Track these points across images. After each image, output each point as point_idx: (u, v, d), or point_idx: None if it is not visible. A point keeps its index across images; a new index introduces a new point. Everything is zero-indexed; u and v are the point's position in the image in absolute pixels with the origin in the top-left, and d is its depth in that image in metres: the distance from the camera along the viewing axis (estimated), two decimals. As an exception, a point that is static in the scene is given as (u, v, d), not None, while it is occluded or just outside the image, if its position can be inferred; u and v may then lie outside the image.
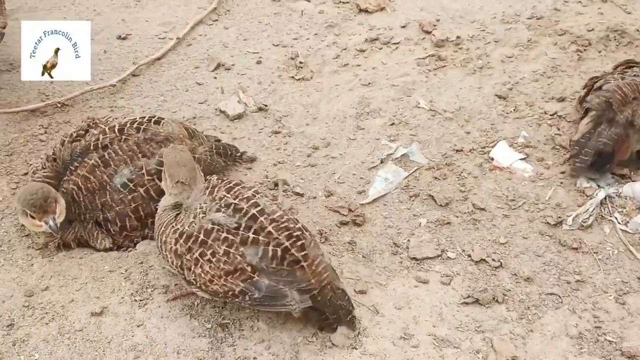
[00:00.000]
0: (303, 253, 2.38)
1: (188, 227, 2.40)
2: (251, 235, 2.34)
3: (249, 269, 2.34)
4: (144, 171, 2.72)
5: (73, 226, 2.76)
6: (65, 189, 2.73)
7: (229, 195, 2.42)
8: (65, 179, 2.74)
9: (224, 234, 2.35)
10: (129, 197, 2.72)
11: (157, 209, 2.61)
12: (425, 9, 4.08)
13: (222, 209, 2.39)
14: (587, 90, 3.20)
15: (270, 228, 2.36)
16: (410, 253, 2.78)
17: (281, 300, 2.37)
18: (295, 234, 2.39)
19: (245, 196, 2.43)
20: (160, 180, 2.65)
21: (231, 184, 2.49)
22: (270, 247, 2.34)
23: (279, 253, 2.34)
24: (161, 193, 2.66)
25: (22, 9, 4.09)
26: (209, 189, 2.48)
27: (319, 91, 3.58)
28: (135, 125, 2.82)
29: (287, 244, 2.36)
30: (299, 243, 2.38)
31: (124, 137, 2.78)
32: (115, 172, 2.72)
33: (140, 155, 2.75)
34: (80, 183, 2.72)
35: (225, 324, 2.52)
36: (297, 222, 2.44)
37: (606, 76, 3.18)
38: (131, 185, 2.71)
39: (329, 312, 2.44)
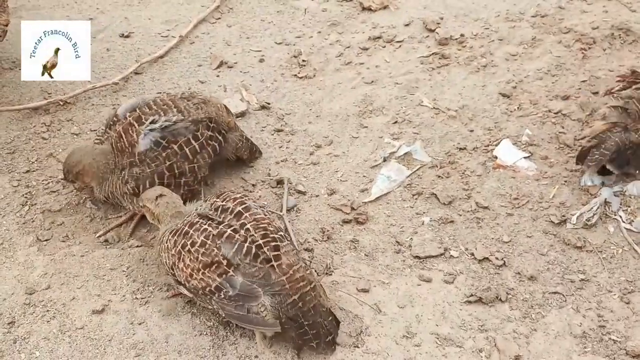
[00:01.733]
0: (275, 253, 2.37)
1: (180, 224, 2.47)
2: (229, 231, 2.37)
3: (224, 262, 2.34)
4: (174, 124, 2.76)
5: (110, 180, 2.78)
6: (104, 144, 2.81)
7: (218, 200, 2.52)
8: (108, 132, 2.83)
9: (204, 226, 2.40)
10: (163, 154, 2.74)
11: (189, 170, 2.76)
12: (429, 7, 4.06)
13: (212, 212, 2.48)
14: (624, 85, 3.03)
15: (249, 225, 2.40)
16: (413, 251, 2.76)
17: (254, 301, 2.34)
18: (271, 235, 2.40)
19: (233, 197, 2.51)
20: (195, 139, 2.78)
21: (223, 191, 2.59)
22: (246, 244, 2.35)
23: (253, 250, 2.35)
24: (195, 154, 2.77)
25: (25, 6, 4.09)
26: (206, 201, 2.57)
27: (321, 89, 3.57)
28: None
29: (260, 242, 2.37)
30: (272, 243, 2.39)
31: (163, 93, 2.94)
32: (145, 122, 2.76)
33: (175, 109, 2.80)
34: (115, 138, 2.77)
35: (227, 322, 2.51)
36: (279, 229, 2.47)
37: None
38: (164, 142, 2.74)
39: (308, 325, 2.37)
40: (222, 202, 2.50)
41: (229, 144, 2.96)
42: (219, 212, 2.46)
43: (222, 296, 2.35)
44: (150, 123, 2.75)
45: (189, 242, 2.39)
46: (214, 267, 2.35)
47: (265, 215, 2.49)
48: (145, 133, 2.73)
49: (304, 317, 2.37)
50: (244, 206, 2.46)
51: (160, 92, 3.13)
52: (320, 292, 2.45)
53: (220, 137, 2.89)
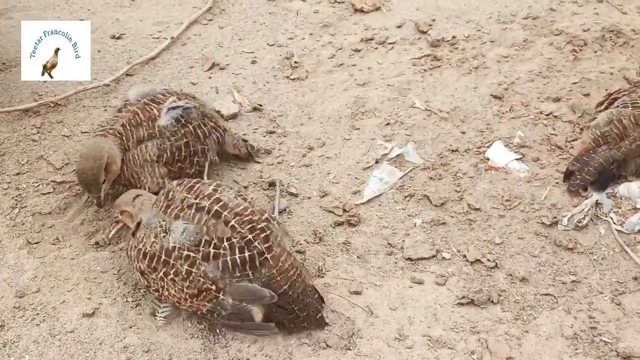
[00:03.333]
0: (267, 245, 2.36)
1: (150, 247, 2.39)
2: (212, 250, 2.32)
3: (213, 288, 2.33)
4: (192, 107, 2.90)
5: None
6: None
7: (189, 196, 2.42)
8: (117, 115, 2.87)
9: (185, 252, 2.33)
10: (182, 130, 2.85)
11: (201, 151, 2.88)
12: (421, 9, 4.07)
13: (185, 210, 2.38)
14: (605, 106, 3.10)
15: (233, 222, 2.35)
16: (405, 253, 2.76)
17: (246, 316, 2.37)
18: (259, 226, 2.38)
19: (207, 193, 2.42)
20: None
21: (191, 183, 2.48)
22: (229, 258, 2.31)
23: (238, 261, 2.32)
24: (206, 137, 2.91)
25: (15, 8, 4.07)
26: (165, 196, 2.46)
27: (314, 91, 3.56)
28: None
29: (250, 236, 2.35)
30: (262, 235, 2.37)
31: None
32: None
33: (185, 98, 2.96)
34: (129, 116, 2.81)
35: (217, 326, 2.50)
36: (263, 212, 2.44)
37: (624, 94, 3.07)
38: (182, 120, 2.86)
39: (298, 309, 2.40)
40: (194, 199, 2.40)
41: (227, 141, 3.07)
42: (192, 210, 2.37)
43: (216, 316, 2.39)
44: (172, 102, 2.87)
45: (171, 272, 2.34)
46: (202, 295, 2.35)
47: (244, 200, 2.45)
48: (168, 109, 2.85)
49: (295, 303, 2.40)
50: (220, 204, 2.38)
51: (164, 89, 3.15)
52: (304, 274, 2.47)
53: (220, 130, 3.03)
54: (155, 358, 2.41)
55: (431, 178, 3.07)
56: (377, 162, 3.15)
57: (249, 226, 2.37)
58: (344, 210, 2.93)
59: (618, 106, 3.02)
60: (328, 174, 3.12)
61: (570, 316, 2.54)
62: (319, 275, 2.68)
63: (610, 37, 3.73)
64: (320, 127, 3.35)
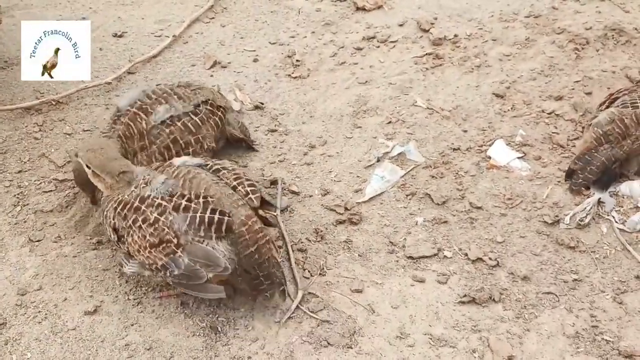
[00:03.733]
0: (252, 188, 2.48)
1: (127, 196, 2.45)
2: (184, 203, 2.36)
3: (174, 241, 2.35)
4: (180, 108, 2.92)
5: None
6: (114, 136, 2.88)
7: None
8: (114, 127, 2.91)
9: (158, 200, 2.38)
10: (167, 130, 2.87)
11: (194, 141, 2.91)
12: (423, 8, 4.06)
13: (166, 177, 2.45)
14: (607, 105, 3.10)
15: (228, 175, 2.51)
16: (406, 252, 2.76)
17: (196, 280, 2.36)
18: (245, 176, 2.53)
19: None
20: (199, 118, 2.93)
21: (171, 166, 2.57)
22: (199, 214, 2.34)
23: (206, 220, 2.34)
24: (198, 127, 2.93)
25: (17, 6, 4.07)
26: (159, 168, 2.54)
27: (315, 89, 3.56)
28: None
29: (235, 182, 2.49)
30: (248, 182, 2.51)
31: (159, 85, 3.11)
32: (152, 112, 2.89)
33: (175, 97, 2.95)
34: (123, 129, 2.85)
35: (219, 324, 2.50)
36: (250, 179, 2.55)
37: (624, 94, 3.07)
38: (168, 120, 2.89)
39: (263, 275, 2.42)
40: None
41: (230, 122, 3.11)
42: (182, 169, 2.47)
43: (168, 274, 2.39)
44: (163, 115, 2.89)
45: (140, 218, 2.38)
46: (161, 247, 2.36)
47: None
48: (155, 122, 2.88)
49: (260, 269, 2.41)
50: (219, 166, 2.55)
51: (158, 84, 3.17)
52: (273, 247, 2.49)
53: (219, 113, 3.05)
54: (157, 356, 2.41)
55: (433, 176, 3.07)
56: (378, 160, 3.15)
57: (235, 175, 2.50)
58: (346, 209, 2.93)
59: (618, 105, 3.01)
60: (330, 172, 3.12)
61: (571, 315, 2.54)
62: (320, 274, 2.68)
63: (613, 35, 3.73)
64: (322, 126, 3.35)
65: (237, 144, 3.18)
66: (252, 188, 2.52)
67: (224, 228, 2.36)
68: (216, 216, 2.35)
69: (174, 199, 2.38)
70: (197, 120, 2.94)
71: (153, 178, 2.46)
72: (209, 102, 3.03)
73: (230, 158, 3.13)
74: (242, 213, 2.41)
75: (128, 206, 2.42)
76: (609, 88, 3.38)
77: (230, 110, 3.18)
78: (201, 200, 2.38)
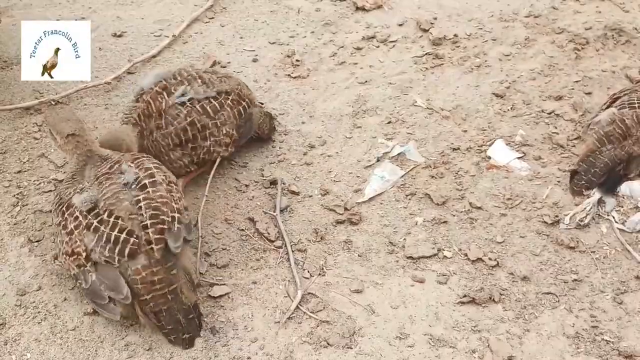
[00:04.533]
0: (158, 237, 2.35)
1: (63, 195, 2.50)
2: (95, 223, 2.37)
3: (83, 255, 2.37)
4: (202, 91, 2.92)
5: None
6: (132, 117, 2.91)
7: (132, 164, 2.50)
8: (135, 106, 2.93)
9: (77, 214, 2.41)
10: (185, 112, 2.87)
11: (212, 125, 2.90)
12: (423, 7, 4.06)
13: (109, 177, 2.46)
14: (607, 105, 3.10)
15: (142, 204, 2.39)
16: (406, 252, 2.76)
17: (101, 300, 2.38)
18: (161, 217, 2.38)
19: (146, 166, 2.49)
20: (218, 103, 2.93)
21: (140, 157, 2.56)
22: (106, 232, 2.34)
23: (112, 239, 2.33)
24: (217, 112, 2.91)
25: (17, 5, 4.06)
26: (113, 161, 2.52)
27: (315, 89, 3.56)
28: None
29: (148, 222, 2.36)
30: (159, 226, 2.37)
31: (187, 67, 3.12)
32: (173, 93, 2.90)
33: (199, 80, 2.95)
34: (143, 107, 2.88)
35: (218, 325, 2.50)
36: (179, 210, 2.45)
37: (625, 94, 3.06)
38: (188, 102, 2.88)
39: (164, 322, 2.38)
40: (136, 167, 2.48)
41: (253, 117, 3.10)
42: (113, 179, 2.45)
43: (78, 284, 2.44)
44: (180, 95, 2.89)
45: (61, 225, 2.45)
46: (73, 257, 2.40)
47: (169, 191, 2.47)
48: (174, 103, 2.88)
49: (157, 316, 2.38)
50: (151, 180, 2.45)
51: (184, 66, 3.18)
52: (184, 292, 2.41)
53: (244, 103, 3.05)
54: (157, 356, 2.41)
55: (432, 176, 3.06)
56: (378, 160, 3.15)
57: (152, 213, 2.38)
58: (345, 209, 2.93)
59: (617, 106, 3.01)
60: (329, 172, 3.12)
61: (571, 315, 2.54)
62: (320, 274, 2.68)
63: (613, 35, 3.72)
64: (322, 126, 3.35)
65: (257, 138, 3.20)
66: (157, 237, 2.36)
67: (126, 252, 2.33)
68: (122, 236, 2.34)
69: (89, 216, 2.39)
70: (217, 104, 2.93)
71: (84, 189, 2.46)
72: (234, 91, 3.02)
73: (230, 157, 3.13)
74: (140, 261, 2.35)
75: (58, 207, 2.49)
76: (609, 88, 3.38)
77: (254, 105, 3.15)
78: (112, 220, 2.36)
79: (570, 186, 2.95)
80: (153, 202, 2.41)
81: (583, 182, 2.91)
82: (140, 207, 2.39)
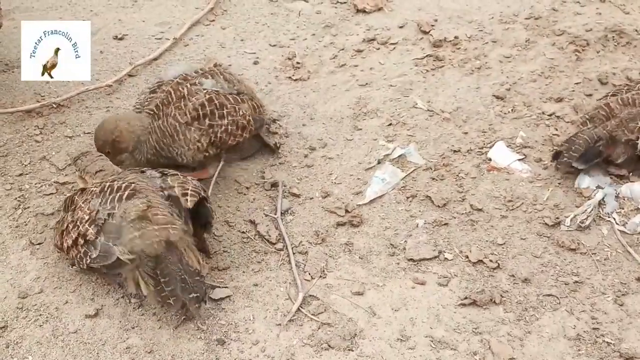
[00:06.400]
0: (194, 191, 2.51)
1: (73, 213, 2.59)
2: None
3: (88, 220, 2.46)
4: (226, 86, 2.97)
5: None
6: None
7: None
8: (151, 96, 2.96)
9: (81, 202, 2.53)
10: (204, 90, 2.90)
11: (232, 100, 2.95)
12: (423, 9, 4.07)
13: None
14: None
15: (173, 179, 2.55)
16: (407, 254, 2.76)
17: (108, 261, 2.42)
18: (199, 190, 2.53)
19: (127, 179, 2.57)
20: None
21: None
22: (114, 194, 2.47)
23: (115, 187, 2.48)
24: (236, 100, 2.95)
25: (18, 9, 4.07)
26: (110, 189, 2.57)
27: (315, 91, 3.56)
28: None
29: (188, 187, 2.51)
30: (198, 190, 2.53)
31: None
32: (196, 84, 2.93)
33: (222, 77, 3.01)
34: (162, 96, 2.91)
35: (223, 334, 2.50)
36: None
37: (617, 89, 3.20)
38: (214, 90, 2.92)
39: (164, 281, 2.39)
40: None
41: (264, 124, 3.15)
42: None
43: (88, 260, 2.49)
44: (205, 85, 2.93)
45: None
46: (80, 226, 2.49)
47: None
48: (197, 89, 2.92)
49: (161, 274, 2.40)
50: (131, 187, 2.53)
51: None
52: (193, 256, 2.47)
53: (259, 103, 3.09)
54: (158, 359, 2.42)
55: (433, 179, 3.07)
56: (379, 162, 3.15)
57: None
58: (346, 211, 2.93)
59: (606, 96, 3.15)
60: (330, 174, 3.12)
61: (572, 317, 2.54)
62: (321, 276, 2.69)
63: (613, 37, 3.73)
64: (323, 128, 3.35)
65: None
66: (193, 191, 2.51)
67: (125, 195, 2.45)
68: (127, 192, 2.46)
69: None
70: (237, 97, 2.96)
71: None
72: (248, 95, 3.05)
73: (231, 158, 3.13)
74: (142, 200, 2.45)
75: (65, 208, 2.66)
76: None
77: (264, 113, 3.16)
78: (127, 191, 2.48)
79: (554, 165, 3.02)
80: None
81: (565, 158, 2.96)
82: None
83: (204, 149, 2.91)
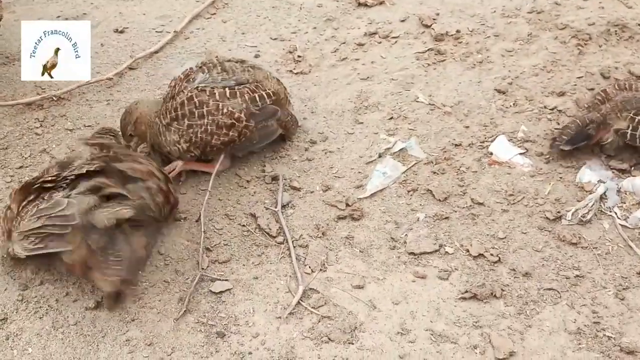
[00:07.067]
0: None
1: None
2: None
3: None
4: (219, 79, 2.91)
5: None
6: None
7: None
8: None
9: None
10: (181, 85, 2.90)
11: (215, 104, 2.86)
12: (425, 3, 4.05)
13: None
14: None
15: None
16: (408, 248, 2.75)
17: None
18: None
19: None
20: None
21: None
22: None
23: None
24: (223, 95, 2.86)
25: (19, 2, 4.07)
26: None
27: (317, 85, 3.55)
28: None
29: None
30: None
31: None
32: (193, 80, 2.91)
33: (220, 69, 2.95)
34: (166, 92, 2.98)
35: (222, 327, 2.50)
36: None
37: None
38: (202, 86, 2.88)
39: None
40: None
41: (280, 115, 3.04)
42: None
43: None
44: (197, 81, 2.91)
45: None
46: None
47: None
48: (191, 87, 2.89)
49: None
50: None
51: (215, 57, 3.17)
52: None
53: (262, 93, 2.95)
54: (158, 351, 2.42)
55: (434, 172, 3.06)
56: (380, 156, 3.14)
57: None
58: (347, 205, 2.93)
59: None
60: (331, 168, 3.11)
61: (573, 311, 2.53)
62: (321, 270, 2.68)
63: (616, 31, 3.71)
64: (324, 122, 3.34)
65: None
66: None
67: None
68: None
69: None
70: (228, 91, 2.87)
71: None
72: (255, 82, 2.96)
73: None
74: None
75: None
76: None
77: (283, 102, 3.08)
78: None
79: (551, 151, 3.07)
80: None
81: (557, 142, 3.03)
82: None
83: (185, 150, 2.88)
